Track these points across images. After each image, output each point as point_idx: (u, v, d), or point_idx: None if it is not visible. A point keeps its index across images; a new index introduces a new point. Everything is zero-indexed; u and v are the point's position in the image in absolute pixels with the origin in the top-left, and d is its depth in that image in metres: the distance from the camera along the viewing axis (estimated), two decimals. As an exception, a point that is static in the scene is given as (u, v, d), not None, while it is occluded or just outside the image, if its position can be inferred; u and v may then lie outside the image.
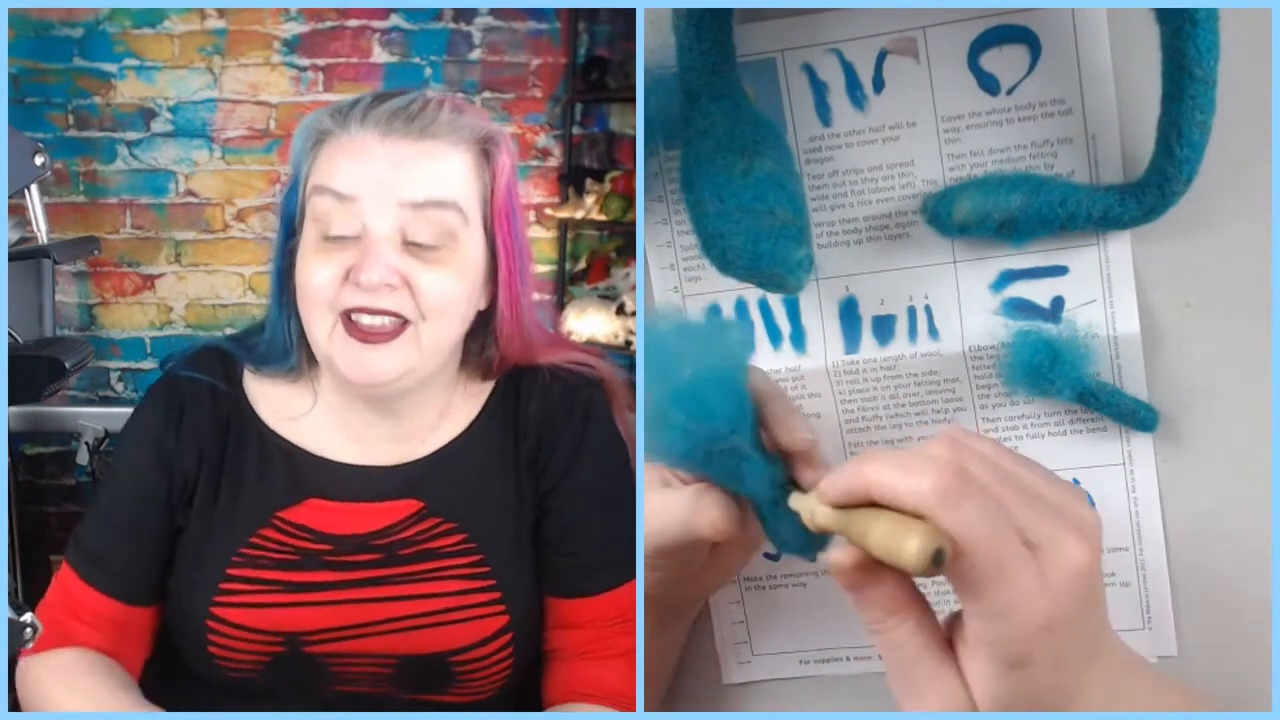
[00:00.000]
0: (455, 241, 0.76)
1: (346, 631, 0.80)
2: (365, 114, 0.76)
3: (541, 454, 0.84)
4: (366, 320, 0.75)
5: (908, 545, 0.53)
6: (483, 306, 0.82)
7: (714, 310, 0.79)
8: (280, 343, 0.82)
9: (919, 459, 0.55)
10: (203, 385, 0.84)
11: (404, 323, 0.76)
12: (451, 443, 0.84)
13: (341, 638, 0.80)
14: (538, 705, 0.84)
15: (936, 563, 0.52)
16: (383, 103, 0.77)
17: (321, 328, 0.76)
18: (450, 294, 0.76)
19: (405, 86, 0.82)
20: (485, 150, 0.79)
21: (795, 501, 0.63)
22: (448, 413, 0.85)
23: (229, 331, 0.95)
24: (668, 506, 0.67)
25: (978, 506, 0.54)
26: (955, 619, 0.59)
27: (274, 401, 0.84)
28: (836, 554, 0.58)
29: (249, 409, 0.84)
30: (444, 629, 0.80)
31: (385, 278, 0.73)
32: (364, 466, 0.83)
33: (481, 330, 0.83)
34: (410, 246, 0.75)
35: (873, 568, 0.57)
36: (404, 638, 0.80)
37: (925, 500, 0.54)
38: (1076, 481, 0.77)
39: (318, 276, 0.75)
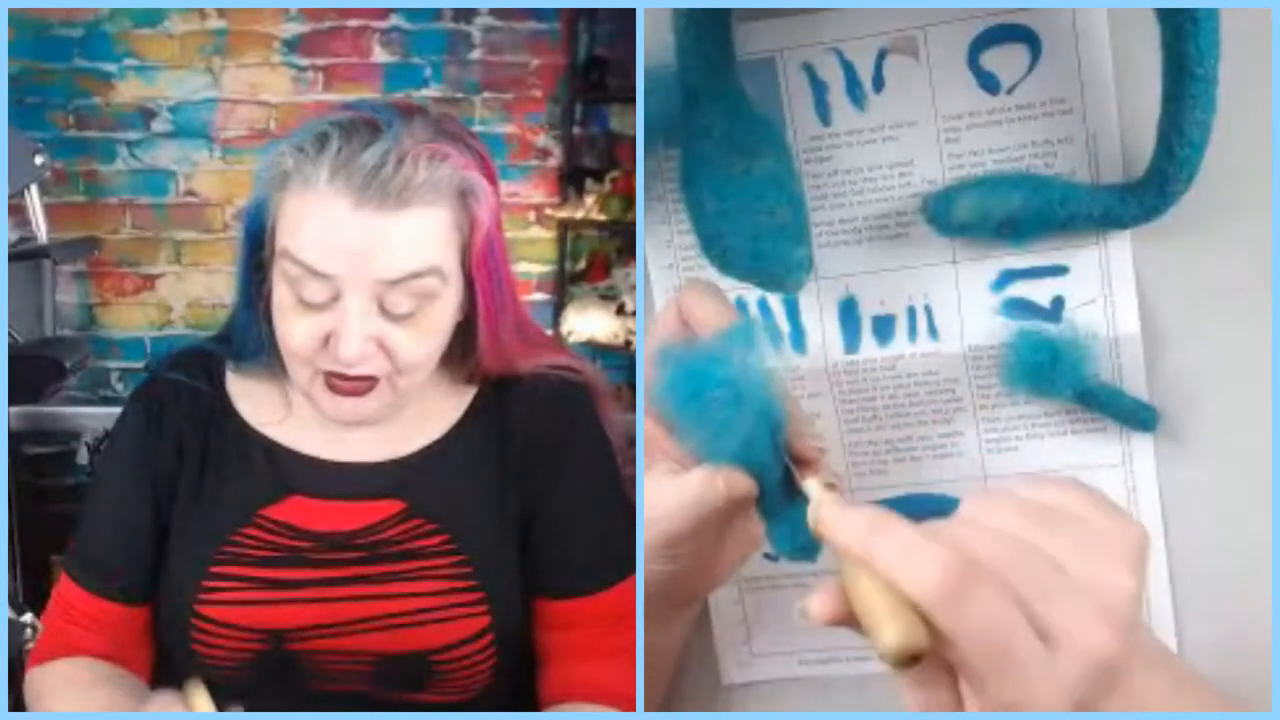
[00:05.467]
0: (433, 302, 0.77)
1: (329, 629, 0.81)
2: (334, 171, 0.72)
3: (528, 458, 0.85)
4: (344, 380, 0.77)
5: (883, 635, 0.50)
6: (459, 319, 0.81)
7: (740, 305, 0.79)
8: (253, 343, 0.84)
9: (928, 548, 0.52)
10: (183, 386, 0.86)
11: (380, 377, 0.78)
12: (435, 443, 0.85)
13: (324, 635, 0.81)
14: (533, 706, 0.84)
15: (906, 665, 0.50)
16: (354, 156, 0.72)
17: (303, 376, 0.78)
18: (425, 350, 0.78)
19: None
20: (465, 202, 0.77)
21: (808, 490, 0.61)
22: (430, 413, 0.85)
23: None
24: (686, 485, 0.66)
25: (981, 605, 0.50)
26: None
27: (255, 400, 0.86)
28: (814, 605, 0.55)
29: (230, 408, 0.85)
30: (425, 628, 0.81)
31: (363, 349, 0.75)
32: (346, 463, 0.84)
33: (461, 339, 0.83)
34: (386, 311, 0.75)
35: (847, 615, 0.54)
36: (385, 636, 0.81)
37: (925, 598, 0.51)
38: (1076, 481, 0.77)
39: (296, 337, 0.76)
